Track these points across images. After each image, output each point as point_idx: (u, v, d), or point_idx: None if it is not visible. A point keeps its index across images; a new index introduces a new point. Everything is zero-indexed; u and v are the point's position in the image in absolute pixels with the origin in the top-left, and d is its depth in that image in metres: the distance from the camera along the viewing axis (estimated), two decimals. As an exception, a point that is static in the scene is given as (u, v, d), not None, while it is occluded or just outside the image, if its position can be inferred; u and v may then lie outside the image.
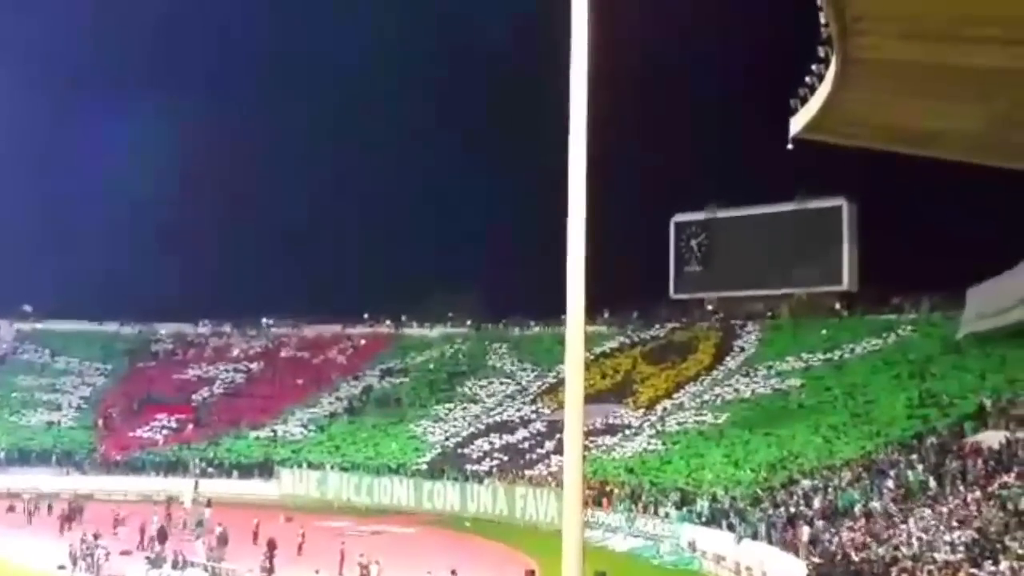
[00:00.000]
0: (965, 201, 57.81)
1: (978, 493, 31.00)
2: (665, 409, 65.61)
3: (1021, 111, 22.91)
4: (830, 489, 40.44)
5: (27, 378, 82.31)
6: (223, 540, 42.42)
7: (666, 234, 76.32)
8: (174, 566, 37.79)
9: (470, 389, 77.47)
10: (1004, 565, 24.31)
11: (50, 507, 53.05)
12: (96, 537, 41.50)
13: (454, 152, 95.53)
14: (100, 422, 77.72)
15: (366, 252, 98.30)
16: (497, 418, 71.29)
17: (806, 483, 43.32)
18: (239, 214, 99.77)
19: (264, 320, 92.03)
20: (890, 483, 37.22)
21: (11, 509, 55.99)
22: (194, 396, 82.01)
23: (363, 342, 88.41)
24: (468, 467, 63.95)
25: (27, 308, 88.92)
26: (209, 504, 52.19)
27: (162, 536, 43.54)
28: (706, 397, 65.04)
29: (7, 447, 71.58)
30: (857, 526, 33.49)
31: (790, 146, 26.22)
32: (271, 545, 40.92)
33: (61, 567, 40.14)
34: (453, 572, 34.88)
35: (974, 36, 19.58)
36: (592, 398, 60.78)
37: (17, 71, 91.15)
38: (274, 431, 75.22)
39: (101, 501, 57.38)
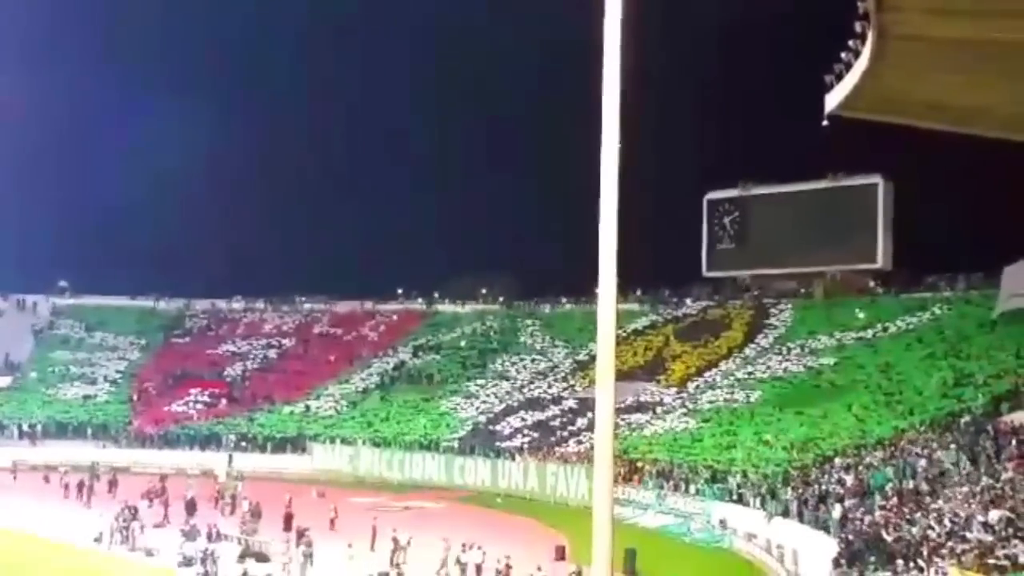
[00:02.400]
0: (1001, 179, 57.13)
1: (1012, 473, 30.79)
2: (697, 387, 65.49)
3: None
4: (862, 468, 40.34)
5: (63, 352, 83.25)
6: (256, 514, 42.86)
7: (699, 211, 75.81)
8: (208, 539, 38.21)
9: (501, 366, 77.60)
10: (1038, 545, 24.17)
11: (86, 480, 53.57)
12: (131, 509, 42.05)
13: (487, 130, 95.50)
14: (135, 396, 78.49)
15: (398, 229, 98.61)
16: (528, 395, 71.38)
17: (838, 462, 43.21)
18: (273, 191, 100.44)
19: (297, 296, 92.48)
20: (923, 462, 37.06)
21: (46, 479, 56.93)
22: (228, 371, 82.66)
23: (395, 318, 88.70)
24: (499, 444, 64.15)
25: (63, 283, 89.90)
26: (242, 478, 52.65)
27: (191, 508, 44.02)
28: (738, 375, 64.86)
29: (44, 420, 72.55)
30: (889, 505, 33.37)
31: (825, 123, 25.98)
32: (287, 519, 41.60)
33: (97, 539, 40.66)
34: (464, 546, 35.17)
35: (1010, 10, 19.31)
36: (624, 375, 61.00)
37: (52, 46, 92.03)
38: (307, 406, 75.67)
39: (136, 474, 58.06)
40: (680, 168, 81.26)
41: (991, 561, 23.58)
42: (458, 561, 34.84)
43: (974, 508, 28.50)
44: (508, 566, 34.37)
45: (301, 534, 37.37)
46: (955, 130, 28.34)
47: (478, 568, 35.08)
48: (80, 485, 52.31)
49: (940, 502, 30.88)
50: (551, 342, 79.24)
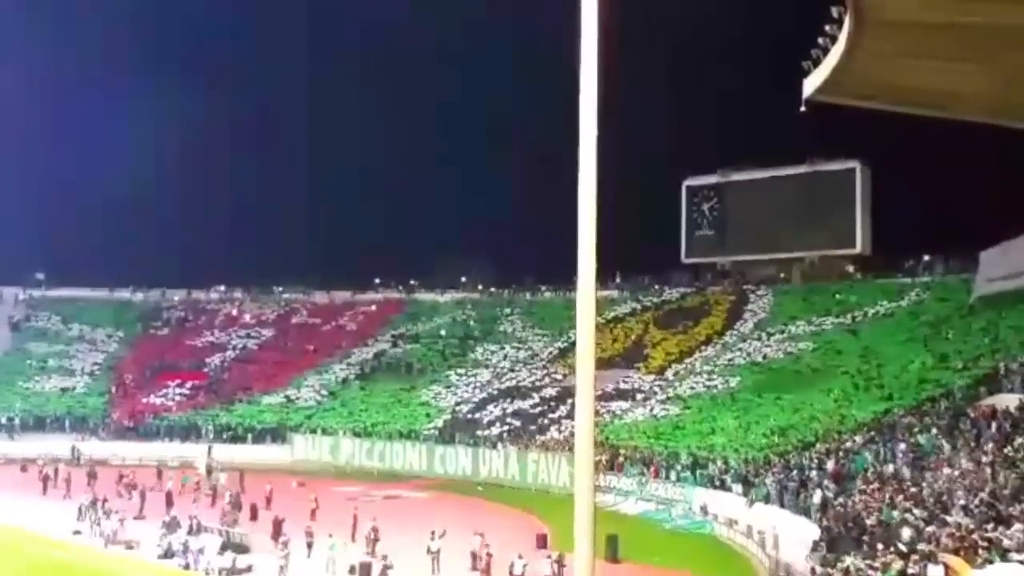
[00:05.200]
0: (979, 164, 57.42)
1: (991, 456, 30.89)
2: (677, 374, 65.61)
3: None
4: (842, 453, 40.44)
5: (40, 345, 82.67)
6: (236, 505, 42.75)
7: (678, 198, 76.01)
8: (188, 531, 38.02)
9: (481, 354, 77.54)
10: (1017, 528, 24.24)
11: (65, 471, 53.27)
12: (108, 502, 41.85)
13: (464, 117, 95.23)
14: (113, 388, 78.02)
15: (376, 218, 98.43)
16: (509, 383, 71.34)
17: (818, 447, 43.32)
18: (250, 182, 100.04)
19: (275, 286, 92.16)
20: (903, 446, 37.16)
21: (24, 469, 56.68)
22: (207, 362, 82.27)
23: (374, 308, 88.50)
24: (480, 432, 64.07)
25: (39, 275, 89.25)
26: (222, 470, 52.45)
27: (169, 500, 43.93)
28: (718, 361, 64.98)
29: (21, 413, 71.95)
30: (869, 489, 33.44)
31: (803, 108, 25.95)
32: (253, 509, 41.61)
33: (76, 532, 40.45)
34: (433, 533, 35.10)
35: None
36: (604, 363, 61.11)
37: (33, 41, 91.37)
38: (287, 397, 75.41)
39: (115, 466, 57.70)
40: (658, 155, 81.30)
41: (976, 545, 23.63)
42: (429, 551, 34.70)
43: (954, 491, 28.58)
44: (489, 554, 34.38)
45: (279, 525, 37.32)
46: (933, 115, 28.36)
47: (474, 556, 35.07)
48: (56, 476, 52.26)
49: (922, 486, 30.96)
50: (531, 330, 79.25)
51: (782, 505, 40.01)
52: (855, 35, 21.59)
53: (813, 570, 28.66)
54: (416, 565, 34.18)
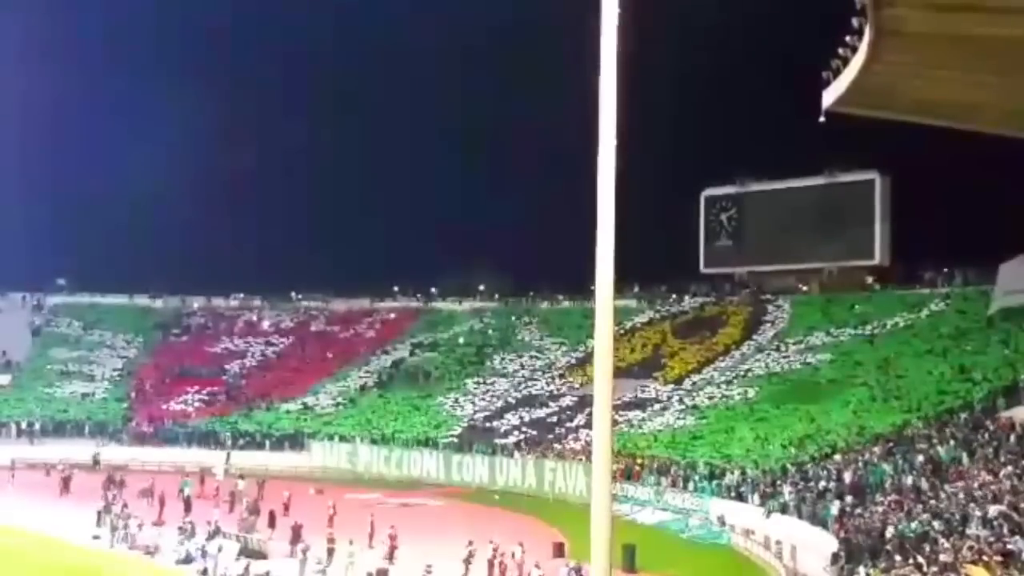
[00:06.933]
0: (998, 175, 57.10)
1: (1010, 468, 30.81)
2: (694, 384, 65.42)
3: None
4: (860, 464, 40.34)
5: (61, 351, 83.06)
6: (254, 511, 42.88)
7: (696, 208, 75.82)
8: (207, 537, 38.15)
9: (499, 363, 77.53)
10: (1036, 541, 24.20)
11: (83, 477, 53.50)
12: (127, 507, 42.03)
13: (483, 125, 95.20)
14: (133, 394, 78.42)
15: (394, 226, 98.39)
16: (526, 392, 71.32)
17: (836, 458, 43.23)
18: (269, 189, 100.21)
19: (294, 294, 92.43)
20: (921, 458, 37.07)
21: (47, 473, 56.96)
22: (226, 369, 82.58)
23: (392, 316, 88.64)
24: (497, 441, 64.06)
25: (61, 281, 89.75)
26: (241, 476, 52.63)
27: (188, 506, 44.13)
28: (736, 372, 64.79)
29: (42, 419, 72.35)
30: (887, 501, 33.39)
31: (822, 119, 25.97)
32: (271, 515, 41.74)
33: (96, 537, 40.66)
34: (469, 544, 35.10)
35: (1006, 6, 19.32)
36: (621, 372, 60.85)
37: (50, 45, 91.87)
38: (305, 404, 75.60)
39: (134, 472, 57.93)
40: (677, 164, 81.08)
41: (994, 557, 23.57)
42: (448, 560, 34.69)
43: (974, 504, 28.51)
44: (504, 564, 34.40)
45: (297, 532, 37.43)
46: (952, 126, 28.38)
47: (489, 564, 35.09)
48: (69, 483, 52.54)
49: (940, 498, 30.90)
50: (548, 339, 79.15)
51: (800, 516, 39.93)
52: (875, 46, 21.62)
53: (830, 581, 28.65)
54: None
